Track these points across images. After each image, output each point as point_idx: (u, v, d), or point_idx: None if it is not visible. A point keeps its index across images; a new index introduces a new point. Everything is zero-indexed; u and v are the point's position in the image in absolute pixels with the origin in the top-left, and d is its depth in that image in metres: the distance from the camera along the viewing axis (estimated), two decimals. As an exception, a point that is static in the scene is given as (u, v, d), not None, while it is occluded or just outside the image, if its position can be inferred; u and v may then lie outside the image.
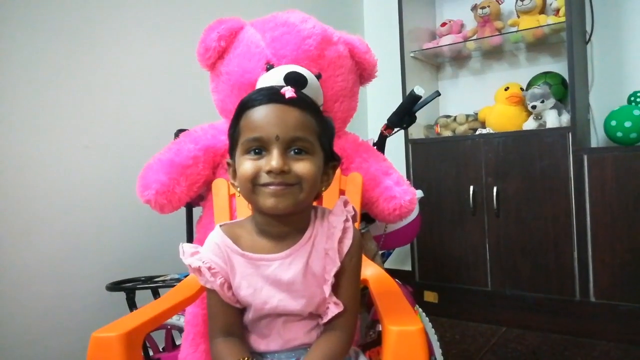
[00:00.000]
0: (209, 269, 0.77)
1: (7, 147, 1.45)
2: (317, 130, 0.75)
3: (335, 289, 0.78)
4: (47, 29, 1.55)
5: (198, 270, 0.77)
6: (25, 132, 1.49)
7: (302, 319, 0.80)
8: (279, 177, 0.70)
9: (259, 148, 0.72)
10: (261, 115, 0.73)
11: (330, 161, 0.80)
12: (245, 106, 0.75)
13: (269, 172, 0.71)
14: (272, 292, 0.77)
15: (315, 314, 0.80)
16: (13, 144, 1.46)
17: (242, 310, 0.81)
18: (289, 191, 0.71)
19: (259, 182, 0.72)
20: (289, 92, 0.73)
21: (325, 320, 0.78)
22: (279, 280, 0.76)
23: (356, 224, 0.86)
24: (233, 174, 0.78)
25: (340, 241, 0.78)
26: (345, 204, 0.80)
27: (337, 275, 0.78)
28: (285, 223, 0.77)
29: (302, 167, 0.72)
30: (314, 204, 0.85)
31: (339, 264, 0.77)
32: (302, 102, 0.74)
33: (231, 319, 0.80)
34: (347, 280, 0.79)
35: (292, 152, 0.72)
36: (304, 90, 1.02)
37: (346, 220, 0.78)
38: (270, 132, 0.71)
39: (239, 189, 0.77)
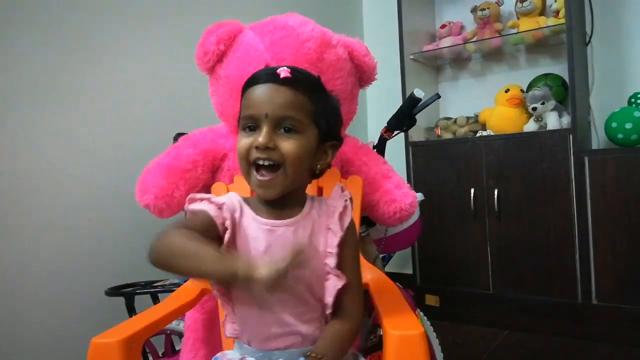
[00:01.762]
0: (219, 206, 0.77)
1: (7, 152, 1.45)
2: (311, 108, 0.77)
3: (338, 267, 0.80)
4: (47, 33, 1.55)
5: (209, 200, 0.77)
6: (25, 136, 1.49)
7: (302, 304, 0.78)
8: (264, 152, 0.74)
9: (252, 125, 0.76)
10: (256, 94, 0.77)
11: (329, 140, 0.82)
12: (246, 85, 0.80)
13: (256, 148, 0.74)
14: (276, 256, 0.75)
15: (316, 300, 0.79)
16: (12, 149, 1.46)
17: None
18: (274, 181, 0.75)
19: (250, 159, 0.75)
20: (283, 72, 0.76)
21: (329, 298, 0.79)
22: (283, 245, 0.77)
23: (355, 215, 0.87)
24: None
25: (341, 218, 0.81)
26: (342, 189, 0.85)
27: (340, 251, 0.80)
28: (281, 201, 0.79)
29: (288, 145, 0.75)
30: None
31: (341, 232, 0.80)
32: (297, 82, 0.76)
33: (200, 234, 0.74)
34: (349, 254, 0.82)
35: (282, 130, 0.75)
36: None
37: (346, 200, 0.83)
38: (261, 110, 0.75)
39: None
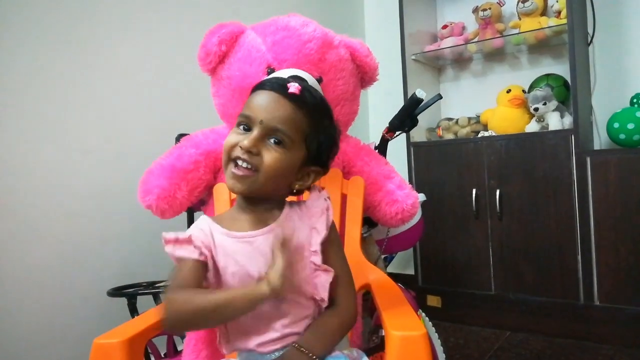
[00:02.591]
0: (191, 242, 0.77)
1: (7, 154, 1.45)
2: (307, 130, 0.78)
3: (325, 263, 0.82)
4: (48, 34, 1.55)
5: (187, 240, 0.76)
6: (26, 138, 1.49)
7: (293, 306, 0.79)
8: (246, 154, 0.75)
9: (246, 125, 0.78)
10: (259, 98, 0.78)
11: (315, 165, 0.82)
12: (256, 87, 0.81)
13: (240, 147, 0.76)
14: (259, 265, 0.77)
15: (306, 299, 0.80)
16: (14, 150, 1.46)
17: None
18: (246, 177, 0.76)
19: (232, 155, 0.77)
20: (292, 87, 0.77)
21: (321, 294, 0.80)
22: (264, 254, 0.77)
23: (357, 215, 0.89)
24: None
25: (324, 216, 0.83)
26: (319, 190, 0.86)
27: (325, 248, 0.82)
28: (257, 203, 0.81)
29: (270, 156, 0.76)
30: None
31: (325, 231, 0.82)
32: (302, 101, 0.77)
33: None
34: (334, 250, 0.84)
35: (272, 141, 0.76)
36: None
37: (325, 199, 0.85)
38: (258, 114, 0.76)
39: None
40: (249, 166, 0.75)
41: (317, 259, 0.81)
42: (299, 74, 1.10)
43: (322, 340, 0.78)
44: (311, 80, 1.12)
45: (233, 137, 0.78)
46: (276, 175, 0.77)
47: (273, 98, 0.77)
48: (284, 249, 0.70)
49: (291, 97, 0.77)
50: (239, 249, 0.79)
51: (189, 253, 0.76)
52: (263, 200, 0.81)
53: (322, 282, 0.80)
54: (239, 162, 0.76)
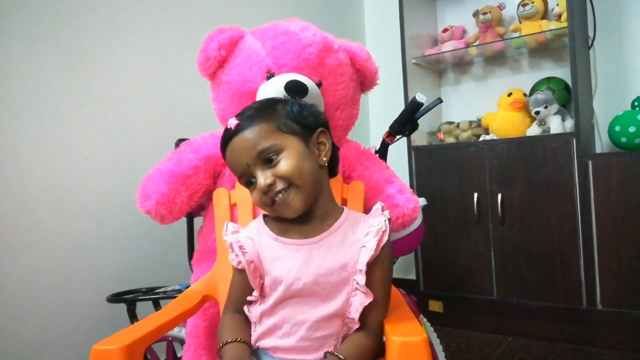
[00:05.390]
0: (240, 247, 0.83)
1: (7, 158, 1.45)
2: (275, 126, 0.81)
3: (368, 284, 0.80)
4: (47, 40, 1.55)
5: (230, 246, 0.84)
6: (26, 143, 1.49)
7: (324, 315, 0.80)
8: (271, 192, 0.79)
9: (247, 179, 0.82)
10: (228, 156, 0.83)
11: (313, 132, 0.84)
12: (221, 153, 0.86)
13: (264, 193, 0.80)
14: (303, 271, 0.80)
15: (339, 313, 0.81)
16: (13, 155, 1.46)
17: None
18: (291, 196, 0.79)
19: (268, 203, 0.81)
20: (231, 123, 0.82)
21: (355, 314, 0.80)
22: (308, 264, 0.80)
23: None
24: None
25: (378, 237, 0.81)
26: (383, 208, 0.86)
27: (371, 268, 0.81)
28: (308, 216, 0.83)
29: (281, 167, 0.79)
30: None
31: (375, 252, 0.80)
32: (247, 122, 0.81)
33: (246, 298, 0.86)
34: (380, 273, 0.82)
35: (269, 162, 0.79)
36: (305, 99, 1.02)
37: (385, 220, 0.84)
38: (240, 165, 0.81)
39: None
40: (281, 192, 0.79)
41: (361, 278, 0.79)
42: (298, 79, 1.11)
43: (360, 356, 0.78)
44: (311, 84, 1.12)
45: (254, 195, 0.82)
46: (302, 170, 0.79)
47: (233, 144, 0.82)
48: None
49: (238, 129, 0.81)
50: (284, 255, 0.82)
51: (231, 259, 0.85)
52: (313, 207, 0.83)
53: (357, 302, 0.80)
54: (276, 199, 0.80)
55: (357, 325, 0.81)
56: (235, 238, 0.84)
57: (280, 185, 0.79)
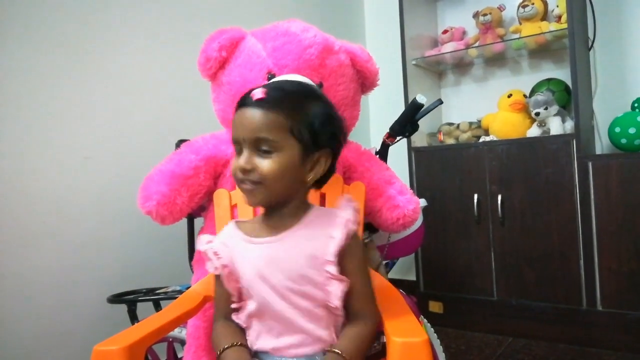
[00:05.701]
0: (215, 253, 0.85)
1: (7, 159, 1.45)
2: (287, 124, 0.78)
3: (344, 274, 0.81)
4: (47, 39, 1.55)
5: (205, 254, 0.86)
6: (26, 143, 1.49)
7: (309, 307, 0.81)
8: (244, 174, 0.79)
9: (238, 147, 0.81)
10: (237, 119, 0.81)
11: (318, 149, 0.82)
12: (236, 106, 0.84)
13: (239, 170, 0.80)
14: (272, 271, 0.81)
15: (322, 304, 0.81)
16: (13, 156, 1.46)
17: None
18: (256, 190, 0.80)
19: (237, 178, 0.81)
20: (257, 94, 0.79)
21: (336, 302, 0.80)
22: (278, 259, 0.81)
23: (359, 231, 0.91)
24: None
25: (345, 226, 0.82)
26: (349, 199, 0.86)
27: (343, 258, 0.82)
28: (278, 209, 0.84)
29: (265, 165, 0.78)
30: (315, 195, 0.99)
31: (343, 241, 0.81)
32: (269, 102, 0.78)
33: (231, 305, 0.87)
34: (352, 262, 0.83)
35: (263, 150, 0.78)
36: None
37: (352, 210, 0.84)
38: (239, 135, 0.80)
39: None
40: (250, 182, 0.79)
41: (332, 268, 0.80)
42: (299, 80, 1.11)
43: (357, 348, 0.79)
44: (311, 85, 1.12)
45: (234, 162, 0.81)
46: (278, 180, 0.79)
47: (244, 113, 0.79)
48: None
49: (258, 104, 0.78)
50: (254, 255, 0.83)
51: (208, 268, 0.86)
52: (282, 206, 0.83)
53: (334, 291, 0.80)
54: (245, 183, 0.80)
55: (341, 313, 0.82)
56: (210, 246, 0.86)
57: (253, 177, 0.78)
